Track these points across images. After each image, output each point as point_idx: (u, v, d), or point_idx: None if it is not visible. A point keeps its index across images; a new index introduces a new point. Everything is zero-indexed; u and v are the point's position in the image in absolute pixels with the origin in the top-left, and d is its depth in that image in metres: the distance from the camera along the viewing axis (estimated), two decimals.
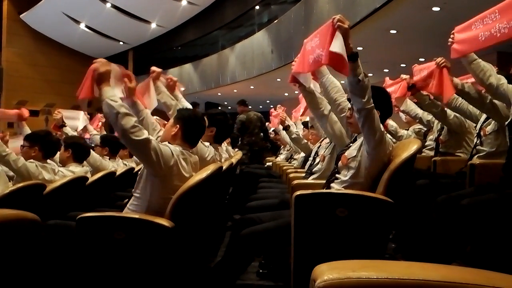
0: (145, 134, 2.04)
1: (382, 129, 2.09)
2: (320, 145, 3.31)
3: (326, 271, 0.90)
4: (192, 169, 2.26)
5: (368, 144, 2.09)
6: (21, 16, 19.26)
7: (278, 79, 13.53)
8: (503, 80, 2.59)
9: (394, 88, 3.69)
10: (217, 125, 2.96)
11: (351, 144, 2.32)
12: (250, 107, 7.74)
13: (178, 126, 2.29)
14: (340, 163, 2.27)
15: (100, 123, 5.60)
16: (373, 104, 2.02)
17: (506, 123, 2.43)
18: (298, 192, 1.92)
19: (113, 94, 2.08)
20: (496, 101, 2.77)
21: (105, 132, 5.54)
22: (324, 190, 2.22)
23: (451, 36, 2.80)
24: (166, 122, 2.83)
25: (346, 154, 2.25)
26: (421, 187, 2.91)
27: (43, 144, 3.09)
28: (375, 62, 11.25)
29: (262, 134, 7.17)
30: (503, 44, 2.37)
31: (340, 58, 1.94)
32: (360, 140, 2.22)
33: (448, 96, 2.97)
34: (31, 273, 2.04)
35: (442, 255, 2.41)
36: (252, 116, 6.97)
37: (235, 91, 16.23)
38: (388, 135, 2.23)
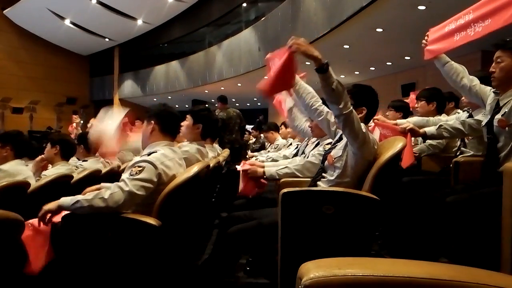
0: (119, 195, 1.94)
1: (364, 129, 2.10)
2: (307, 144, 3.31)
3: (312, 269, 0.90)
4: (179, 166, 2.25)
5: (352, 145, 2.12)
6: (4, 11, 18.89)
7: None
8: (476, 81, 2.63)
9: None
10: (203, 121, 2.95)
11: (337, 144, 2.33)
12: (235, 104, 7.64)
13: (152, 122, 2.32)
14: (326, 163, 2.28)
15: (74, 124, 5.54)
16: (351, 108, 2.03)
17: (483, 124, 2.45)
18: (285, 190, 1.92)
19: (67, 201, 1.99)
20: (471, 121, 2.79)
21: (80, 131, 5.49)
22: (311, 188, 2.23)
23: (425, 37, 2.82)
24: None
25: (332, 153, 2.25)
26: (406, 185, 2.93)
27: (15, 143, 3.09)
28: (361, 60, 11.32)
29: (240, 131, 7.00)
30: (487, 43, 2.40)
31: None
32: (345, 139, 2.23)
33: (408, 163, 2.63)
34: (16, 271, 2.01)
35: (427, 252, 2.43)
36: (232, 114, 6.80)
37: (222, 88, 16.17)
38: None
